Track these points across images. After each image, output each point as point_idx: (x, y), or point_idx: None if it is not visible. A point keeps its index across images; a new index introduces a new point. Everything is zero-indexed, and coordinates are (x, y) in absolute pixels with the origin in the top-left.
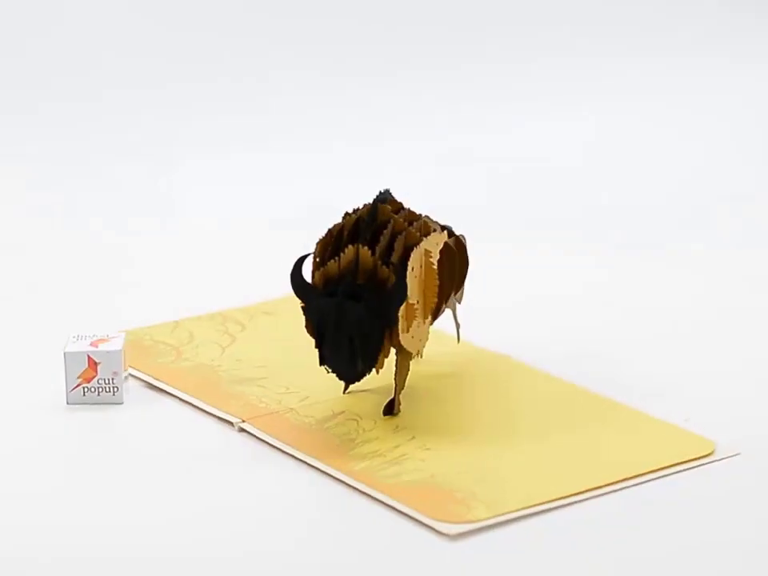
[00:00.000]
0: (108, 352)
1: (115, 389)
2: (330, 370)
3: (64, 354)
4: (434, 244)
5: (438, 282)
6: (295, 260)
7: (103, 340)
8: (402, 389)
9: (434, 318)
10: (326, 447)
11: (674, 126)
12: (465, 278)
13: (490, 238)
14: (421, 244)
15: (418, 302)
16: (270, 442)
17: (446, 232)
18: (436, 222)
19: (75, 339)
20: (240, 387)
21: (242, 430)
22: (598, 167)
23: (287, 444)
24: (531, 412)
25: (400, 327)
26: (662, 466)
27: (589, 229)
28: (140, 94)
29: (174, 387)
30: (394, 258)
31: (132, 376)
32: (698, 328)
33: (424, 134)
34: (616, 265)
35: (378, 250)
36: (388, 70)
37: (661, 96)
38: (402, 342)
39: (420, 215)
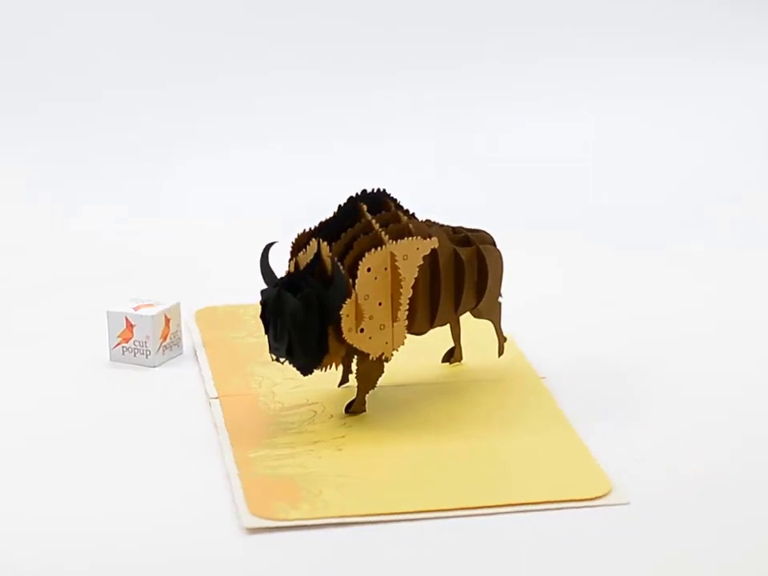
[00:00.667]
0: (143, 316)
1: (148, 352)
2: (273, 358)
3: (107, 312)
4: (411, 248)
5: (411, 286)
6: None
7: (149, 305)
8: (368, 389)
9: (430, 324)
10: (252, 432)
11: (674, 126)
12: (485, 289)
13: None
14: (386, 246)
15: (380, 304)
16: (214, 419)
17: (435, 239)
18: (443, 228)
19: (129, 301)
20: (260, 368)
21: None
22: (599, 167)
23: (224, 424)
24: (485, 426)
25: (344, 326)
26: (532, 500)
27: (589, 229)
28: (140, 94)
29: (206, 357)
30: (349, 257)
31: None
32: (698, 328)
33: (424, 134)
34: (616, 265)
35: (334, 247)
36: (388, 70)
37: (661, 96)
38: (351, 342)
39: (403, 218)
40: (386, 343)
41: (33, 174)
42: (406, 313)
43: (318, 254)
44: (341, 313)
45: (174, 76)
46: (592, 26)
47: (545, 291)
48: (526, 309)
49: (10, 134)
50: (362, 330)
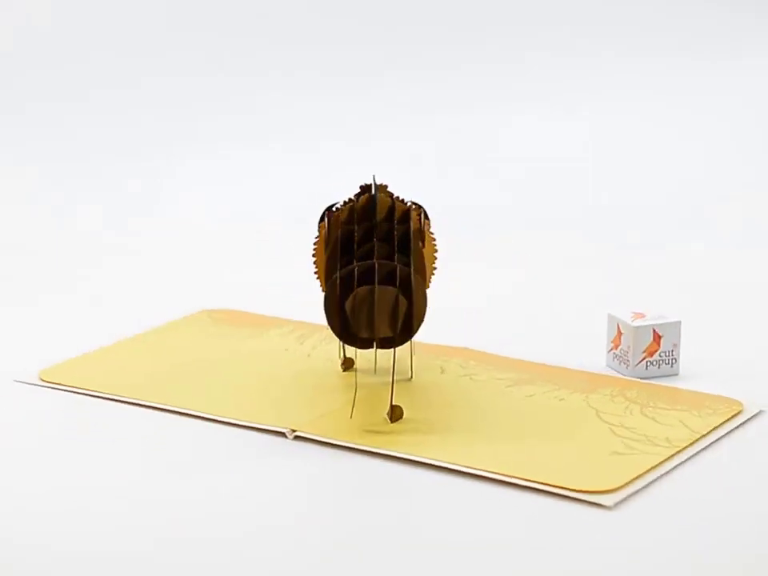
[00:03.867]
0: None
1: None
2: None
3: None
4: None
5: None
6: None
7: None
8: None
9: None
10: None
11: (674, 126)
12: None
13: (490, 237)
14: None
15: None
16: None
17: (322, 226)
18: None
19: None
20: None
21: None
22: (599, 167)
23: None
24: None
25: None
26: None
27: (589, 229)
28: (140, 94)
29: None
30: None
31: None
32: (699, 328)
33: (424, 133)
34: (615, 265)
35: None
36: (388, 70)
37: (661, 96)
38: None
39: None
40: None
41: (33, 174)
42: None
43: None
44: None
45: (175, 76)
46: (592, 26)
47: (544, 291)
48: (525, 309)
49: (10, 134)
50: None
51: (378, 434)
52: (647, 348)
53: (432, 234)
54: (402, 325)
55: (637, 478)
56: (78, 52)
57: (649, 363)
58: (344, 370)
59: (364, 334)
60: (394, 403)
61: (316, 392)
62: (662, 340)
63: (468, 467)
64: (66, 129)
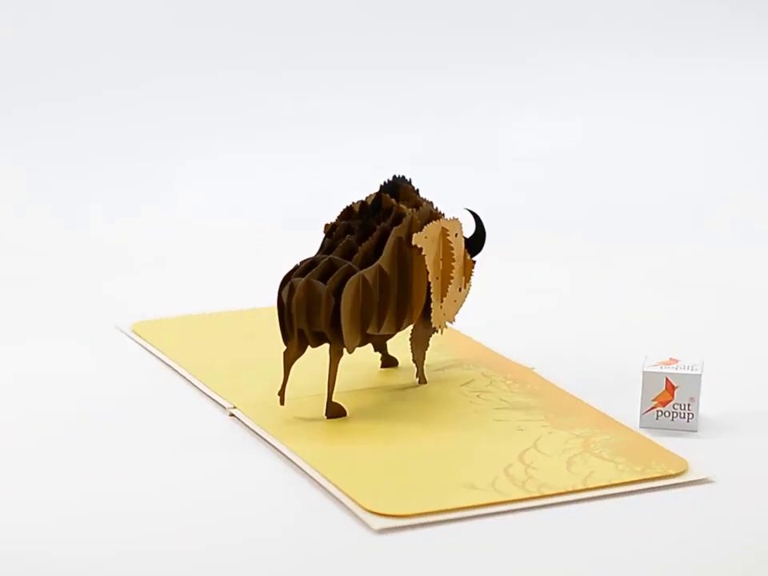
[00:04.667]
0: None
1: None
2: None
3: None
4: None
5: None
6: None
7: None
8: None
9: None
10: None
11: (674, 126)
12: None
13: (490, 238)
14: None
15: None
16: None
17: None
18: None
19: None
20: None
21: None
22: (598, 167)
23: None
24: None
25: None
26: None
27: (589, 229)
28: (140, 94)
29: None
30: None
31: None
32: (700, 328)
33: (423, 133)
34: (616, 265)
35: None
36: (389, 70)
37: (661, 96)
38: None
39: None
40: None
41: (33, 173)
42: None
43: None
44: None
45: (175, 76)
46: (593, 26)
47: (544, 291)
48: (523, 308)
49: (10, 134)
50: None
51: (290, 425)
52: (658, 397)
53: (451, 245)
54: (331, 324)
55: (435, 512)
56: (79, 52)
57: (660, 413)
58: (381, 367)
59: (295, 325)
60: (334, 401)
61: (309, 381)
62: (676, 391)
63: (306, 463)
64: (65, 129)
